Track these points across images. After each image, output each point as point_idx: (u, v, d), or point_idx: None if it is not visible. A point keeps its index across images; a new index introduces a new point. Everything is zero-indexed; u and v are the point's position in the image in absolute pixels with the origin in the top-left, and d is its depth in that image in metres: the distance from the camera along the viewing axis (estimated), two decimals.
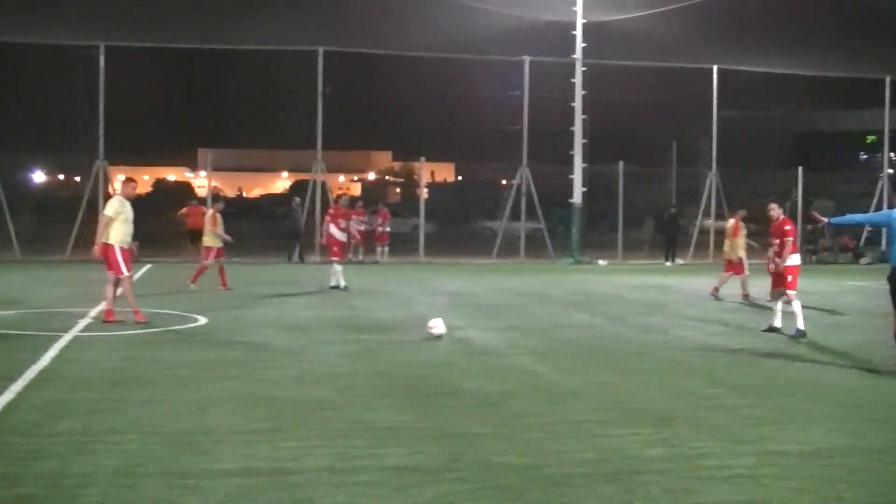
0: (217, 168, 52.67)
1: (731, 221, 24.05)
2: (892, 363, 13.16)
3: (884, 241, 12.87)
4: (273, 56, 39.05)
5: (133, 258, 17.35)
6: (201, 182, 72.57)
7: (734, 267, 23.19)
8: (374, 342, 15.22)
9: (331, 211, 25.04)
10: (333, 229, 24.30)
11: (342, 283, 23.86)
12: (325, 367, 12.79)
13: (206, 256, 23.94)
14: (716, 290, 23.24)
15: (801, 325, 16.60)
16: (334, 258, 24.17)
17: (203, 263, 23.95)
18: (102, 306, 17.24)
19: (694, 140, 49.91)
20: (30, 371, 12.00)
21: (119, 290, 17.12)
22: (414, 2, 33.88)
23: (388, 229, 36.60)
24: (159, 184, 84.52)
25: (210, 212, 25.14)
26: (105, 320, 16.78)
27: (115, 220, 16.76)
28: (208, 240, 24.03)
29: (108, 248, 16.81)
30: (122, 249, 16.82)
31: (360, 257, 35.38)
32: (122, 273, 16.78)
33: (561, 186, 39.76)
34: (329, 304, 21.00)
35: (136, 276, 17.38)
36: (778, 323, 16.95)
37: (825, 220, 15.58)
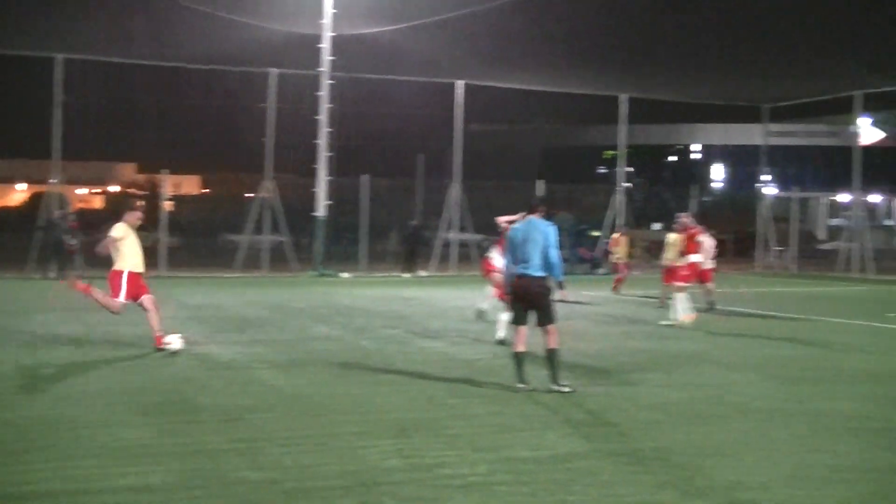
0: None
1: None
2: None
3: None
4: (7, 61, 37.50)
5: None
6: None
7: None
8: (109, 358, 14.76)
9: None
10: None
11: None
12: (55, 385, 12.29)
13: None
14: None
15: (500, 334, 16.80)
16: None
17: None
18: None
19: (441, 153, 50.78)
20: None
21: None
22: (162, 10, 33.07)
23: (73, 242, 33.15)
24: None
25: None
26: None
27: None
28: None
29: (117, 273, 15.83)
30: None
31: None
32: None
33: (307, 199, 39.74)
34: (63, 319, 20.12)
35: None
36: (503, 333, 16.73)
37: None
